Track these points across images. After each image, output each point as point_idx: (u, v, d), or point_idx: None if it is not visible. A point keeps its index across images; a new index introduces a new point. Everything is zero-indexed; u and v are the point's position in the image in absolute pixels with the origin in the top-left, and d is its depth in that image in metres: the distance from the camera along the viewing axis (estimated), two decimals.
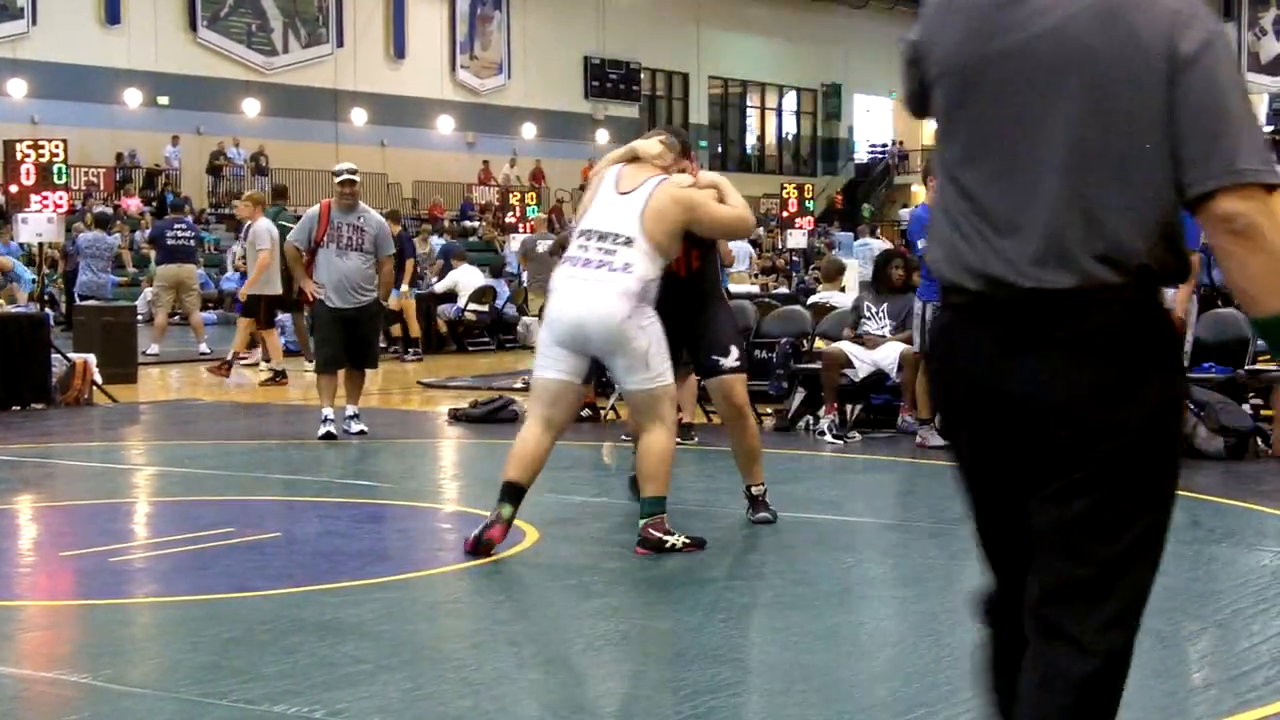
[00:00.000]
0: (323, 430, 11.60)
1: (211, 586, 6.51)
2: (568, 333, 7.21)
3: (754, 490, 8.13)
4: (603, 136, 49.84)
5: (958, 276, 2.90)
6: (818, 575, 6.83)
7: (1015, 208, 2.83)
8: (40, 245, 17.92)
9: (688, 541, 7.22)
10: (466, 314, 22.49)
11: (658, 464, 7.29)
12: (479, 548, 7.00)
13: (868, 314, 12.21)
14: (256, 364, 18.06)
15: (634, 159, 7.54)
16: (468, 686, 4.96)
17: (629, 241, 7.20)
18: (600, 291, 7.14)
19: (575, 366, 7.30)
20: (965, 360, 2.94)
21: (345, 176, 11.76)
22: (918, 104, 3.07)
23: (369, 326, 11.84)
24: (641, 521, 7.27)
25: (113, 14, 37.24)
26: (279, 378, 16.73)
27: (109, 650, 5.53)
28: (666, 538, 7.19)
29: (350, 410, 11.88)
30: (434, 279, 23.92)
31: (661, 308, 7.36)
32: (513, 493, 7.16)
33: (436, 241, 28.74)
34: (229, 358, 17.71)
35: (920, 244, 11.52)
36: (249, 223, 17.69)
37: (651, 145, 7.63)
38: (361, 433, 11.77)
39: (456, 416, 13.03)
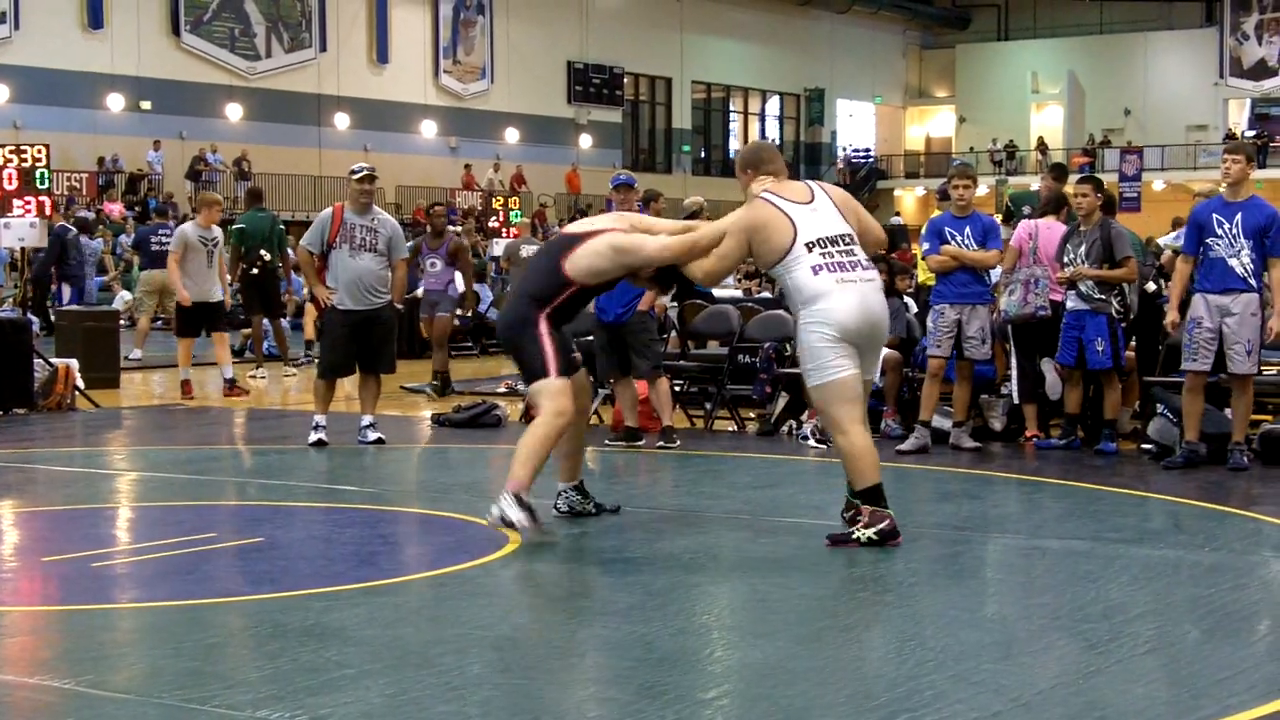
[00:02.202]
0: (314, 437, 11.43)
1: (194, 591, 6.50)
2: (863, 331, 7.61)
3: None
4: (585, 141, 49.86)
5: None
6: (801, 579, 6.83)
7: None
8: (23, 250, 17.90)
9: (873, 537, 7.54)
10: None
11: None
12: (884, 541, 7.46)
13: None
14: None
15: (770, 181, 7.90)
16: (451, 691, 4.95)
17: (853, 239, 7.73)
18: (875, 290, 7.68)
19: (859, 361, 7.64)
20: None
21: (366, 173, 11.52)
22: None
23: (383, 330, 11.55)
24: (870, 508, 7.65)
25: (95, 19, 37.16)
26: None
27: (91, 655, 5.51)
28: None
29: (366, 420, 11.64)
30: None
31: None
32: (883, 492, 7.58)
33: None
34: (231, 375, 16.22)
35: (924, 247, 11.58)
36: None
37: (754, 186, 7.95)
38: (380, 441, 11.60)
39: (440, 421, 13.02)
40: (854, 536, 7.46)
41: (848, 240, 7.66)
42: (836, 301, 7.53)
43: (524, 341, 7.87)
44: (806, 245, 7.59)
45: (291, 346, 19.70)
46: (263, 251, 17.20)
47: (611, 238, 7.90)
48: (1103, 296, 10.97)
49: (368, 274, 11.41)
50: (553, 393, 7.75)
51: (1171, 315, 10.37)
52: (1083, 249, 11.01)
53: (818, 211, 7.70)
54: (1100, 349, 10.91)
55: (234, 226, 17.66)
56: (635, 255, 7.83)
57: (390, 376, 12.35)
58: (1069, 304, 11.11)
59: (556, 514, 8.17)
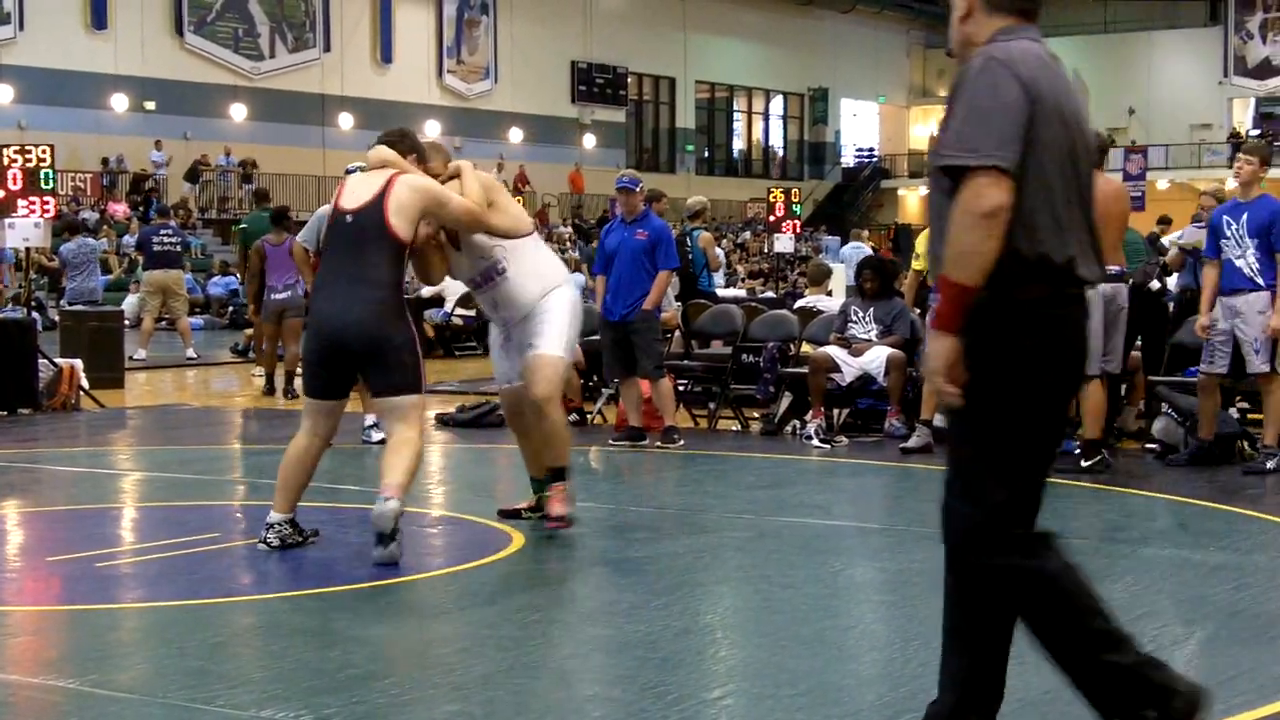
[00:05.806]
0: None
1: (198, 591, 6.50)
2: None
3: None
4: (589, 141, 49.87)
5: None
6: (805, 579, 6.83)
7: None
8: (27, 250, 17.90)
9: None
10: (453, 318, 22.47)
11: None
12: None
13: (854, 318, 12.22)
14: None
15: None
16: (455, 691, 4.95)
17: None
18: None
19: None
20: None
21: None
22: None
23: None
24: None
25: (99, 19, 37.20)
26: None
27: (96, 655, 5.52)
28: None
29: (369, 420, 11.57)
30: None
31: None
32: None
33: None
34: None
35: None
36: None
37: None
38: (383, 441, 11.53)
39: (444, 421, 13.02)
40: (568, 517, 7.73)
41: None
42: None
43: (399, 343, 7.12)
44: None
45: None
46: None
47: (403, 179, 7.28)
48: None
49: None
50: (422, 412, 7.34)
51: (1202, 319, 10.23)
52: None
53: None
54: None
55: (238, 226, 17.65)
56: (434, 191, 7.31)
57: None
58: None
59: (266, 548, 7.29)
